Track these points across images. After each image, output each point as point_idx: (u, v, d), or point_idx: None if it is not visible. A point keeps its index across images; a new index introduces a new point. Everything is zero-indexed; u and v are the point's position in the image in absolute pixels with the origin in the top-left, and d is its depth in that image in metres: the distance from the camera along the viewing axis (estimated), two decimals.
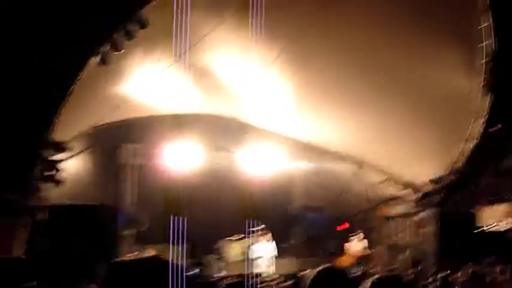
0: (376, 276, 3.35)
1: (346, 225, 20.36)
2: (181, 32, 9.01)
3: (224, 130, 19.10)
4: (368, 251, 17.72)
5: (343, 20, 13.48)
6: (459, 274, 11.22)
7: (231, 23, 12.84)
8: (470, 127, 15.15)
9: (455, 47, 13.69)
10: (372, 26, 13.39)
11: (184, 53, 11.81)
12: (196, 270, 15.34)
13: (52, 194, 13.67)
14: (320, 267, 2.76)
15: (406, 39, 13.58)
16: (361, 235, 18.01)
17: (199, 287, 9.15)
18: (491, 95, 14.25)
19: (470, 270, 10.78)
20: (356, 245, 17.77)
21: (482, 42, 13.45)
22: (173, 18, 8.30)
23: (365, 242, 17.90)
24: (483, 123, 14.86)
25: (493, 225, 16.09)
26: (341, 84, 15.41)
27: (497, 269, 11.30)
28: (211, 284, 9.85)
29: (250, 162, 19.72)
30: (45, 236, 12.90)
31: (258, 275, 12.64)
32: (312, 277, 2.70)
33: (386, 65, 14.29)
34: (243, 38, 13.26)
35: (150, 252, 15.56)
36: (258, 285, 9.68)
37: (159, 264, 2.25)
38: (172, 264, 2.26)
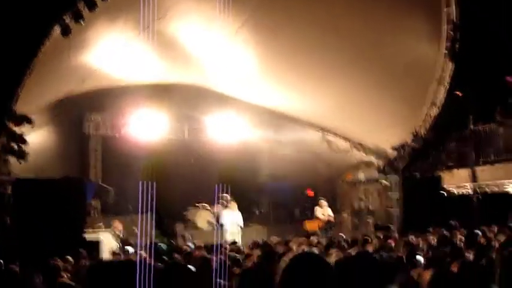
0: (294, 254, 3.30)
1: (311, 193, 20.48)
2: (146, 1, 8.77)
3: (191, 99, 18.90)
4: (332, 218, 17.84)
5: None
6: (426, 237, 11.39)
7: None
8: (434, 94, 15.26)
9: (420, 14, 13.68)
10: None
11: (150, 25, 11.56)
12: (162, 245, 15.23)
13: (16, 168, 13.37)
14: (295, 254, 2.69)
15: (372, 7, 13.50)
16: (325, 202, 18.08)
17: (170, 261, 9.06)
18: (454, 61, 14.34)
19: (436, 234, 10.95)
20: (320, 211, 17.86)
21: (445, 9, 13.47)
22: None
23: (328, 209, 17.98)
24: (446, 89, 14.96)
25: (455, 190, 16.33)
26: (307, 53, 15.30)
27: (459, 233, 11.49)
28: (184, 255, 9.77)
29: (217, 131, 19.65)
30: (9, 210, 12.66)
31: (224, 244, 12.58)
32: (288, 263, 2.63)
33: (353, 33, 14.23)
34: (209, 7, 13.04)
35: (116, 224, 15.44)
36: (226, 254, 9.62)
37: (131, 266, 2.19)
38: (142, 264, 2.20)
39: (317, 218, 17.61)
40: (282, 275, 2.60)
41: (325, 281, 2.56)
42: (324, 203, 18.07)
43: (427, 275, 4.56)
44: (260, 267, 6.65)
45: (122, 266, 2.22)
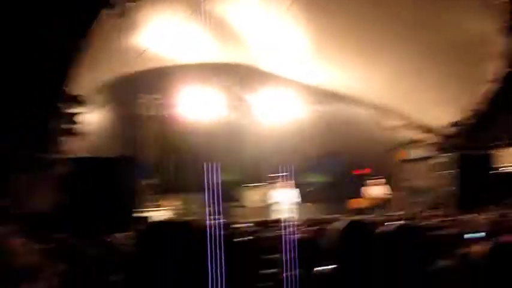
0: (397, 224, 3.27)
1: (367, 170, 20.20)
2: None
3: (241, 78, 18.87)
4: (386, 196, 17.63)
5: None
6: (484, 215, 11.07)
7: None
8: (489, 69, 14.79)
9: None
10: None
11: (200, 4, 11.55)
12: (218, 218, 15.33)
13: (71, 147, 13.63)
14: (346, 222, 2.65)
15: None
16: (381, 180, 17.89)
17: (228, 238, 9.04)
18: (511, 36, 13.82)
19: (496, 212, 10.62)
20: (375, 189, 17.67)
21: None
22: None
23: (384, 187, 17.79)
24: (502, 65, 14.48)
25: None
26: (357, 30, 15.04)
27: None
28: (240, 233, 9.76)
29: (269, 109, 19.58)
30: (66, 189, 12.90)
31: (279, 221, 12.56)
32: (339, 230, 2.59)
33: (404, 9, 13.88)
34: None
35: (171, 203, 15.62)
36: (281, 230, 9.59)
37: (196, 228, 2.15)
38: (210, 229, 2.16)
39: (365, 197, 17.47)
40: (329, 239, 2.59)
41: (371, 247, 2.53)
42: (377, 181, 17.88)
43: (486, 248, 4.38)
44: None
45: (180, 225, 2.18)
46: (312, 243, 3.97)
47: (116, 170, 12.67)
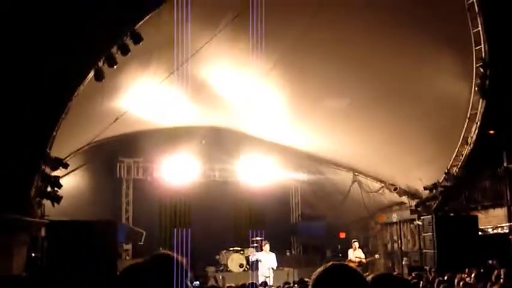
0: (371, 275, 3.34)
1: (343, 234, 20.27)
2: (178, 44, 8.89)
3: (222, 142, 19.01)
4: (363, 259, 17.59)
5: (337, 31, 13.39)
6: (462, 275, 11.11)
7: (226, 34, 12.75)
8: (466, 131, 15.09)
9: (450, 52, 13.64)
10: (366, 35, 13.31)
11: (181, 65, 11.71)
12: (196, 283, 15.15)
13: (50, 211, 13.50)
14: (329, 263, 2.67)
15: (401, 47, 13.51)
16: (356, 244, 17.88)
17: None
18: (485, 99, 14.19)
19: (473, 273, 10.67)
20: (353, 253, 17.64)
21: (476, 47, 13.42)
22: (171, 30, 8.17)
23: (359, 251, 17.76)
24: (478, 127, 14.78)
25: (490, 229, 15.97)
26: (336, 94, 15.33)
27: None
28: None
29: (248, 172, 19.66)
30: (44, 252, 12.72)
31: (257, 285, 12.44)
32: (321, 270, 2.61)
33: (381, 73, 14.22)
34: (239, 50, 13.19)
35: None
36: None
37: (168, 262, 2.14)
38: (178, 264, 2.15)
39: (350, 260, 17.37)
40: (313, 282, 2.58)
41: None
42: (356, 244, 17.88)
43: None
44: None
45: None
46: None
47: (94, 234, 12.57)
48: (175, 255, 2.13)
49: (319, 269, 2.61)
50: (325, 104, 15.82)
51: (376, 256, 18.56)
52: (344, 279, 2.56)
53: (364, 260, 17.58)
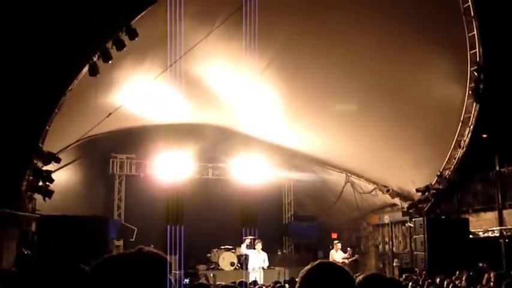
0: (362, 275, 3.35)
1: (334, 234, 20.24)
2: (172, 41, 8.88)
3: (215, 139, 18.98)
4: (346, 261, 17.56)
5: (332, 32, 13.42)
6: (453, 278, 11.13)
7: (221, 33, 12.74)
8: (459, 134, 15.14)
9: (445, 56, 13.69)
10: (361, 37, 13.33)
11: (175, 62, 11.69)
12: (186, 281, 15.12)
13: (41, 205, 13.45)
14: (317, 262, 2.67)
15: (396, 50, 13.55)
16: (339, 245, 17.82)
17: None
18: (479, 103, 14.25)
19: (464, 275, 10.69)
20: (336, 254, 17.58)
21: (470, 51, 13.47)
22: (166, 27, 8.16)
23: (341, 252, 17.69)
24: (471, 131, 14.83)
25: (481, 232, 16.02)
26: (330, 93, 15.34)
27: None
28: None
29: (241, 171, 19.63)
30: (34, 247, 12.69)
31: (247, 284, 12.42)
32: (309, 268, 2.61)
33: (377, 75, 14.25)
34: (233, 48, 13.19)
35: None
36: None
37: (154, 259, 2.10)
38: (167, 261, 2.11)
39: (333, 261, 17.31)
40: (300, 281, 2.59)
41: None
42: (338, 245, 17.84)
43: None
44: None
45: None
46: None
47: (85, 230, 12.55)
48: (154, 250, 2.09)
49: (307, 267, 2.62)
50: (319, 105, 15.83)
51: (356, 257, 18.53)
52: (332, 277, 2.57)
53: (346, 261, 17.61)
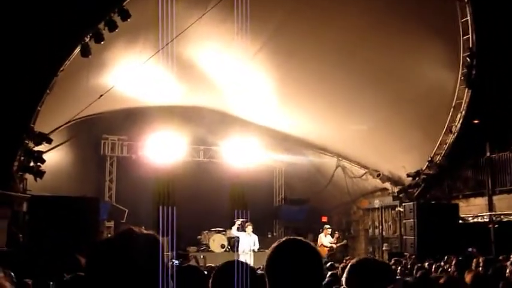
0: (355, 259, 3.41)
1: (325, 218, 20.35)
2: (164, 23, 8.84)
3: (207, 122, 18.96)
4: (334, 245, 17.67)
5: (325, 17, 13.40)
6: (442, 263, 11.23)
7: (214, 15, 12.70)
8: (450, 120, 15.20)
9: (437, 42, 13.69)
10: (354, 22, 13.33)
11: (167, 44, 11.64)
12: (176, 262, 15.19)
13: (33, 186, 13.46)
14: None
15: (389, 35, 13.54)
16: (329, 230, 17.92)
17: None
18: (471, 89, 14.29)
19: (453, 260, 10.78)
20: (325, 239, 17.69)
21: (463, 37, 13.48)
22: (158, 8, 8.12)
23: (329, 237, 17.80)
24: (462, 117, 14.90)
25: (471, 218, 16.14)
26: (322, 77, 15.35)
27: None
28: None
29: (233, 153, 19.66)
30: (25, 227, 12.70)
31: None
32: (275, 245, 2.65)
33: (369, 60, 14.26)
34: (227, 31, 13.14)
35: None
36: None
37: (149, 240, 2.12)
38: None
39: (322, 245, 17.45)
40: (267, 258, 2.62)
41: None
42: (328, 230, 17.94)
43: None
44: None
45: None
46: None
47: (76, 211, 12.55)
48: (146, 231, 2.11)
49: (274, 244, 2.63)
50: (311, 89, 15.84)
51: (344, 242, 18.67)
52: (297, 254, 2.58)
53: (334, 246, 17.72)
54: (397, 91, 14.81)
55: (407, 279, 6.80)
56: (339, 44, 13.99)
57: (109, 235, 17.59)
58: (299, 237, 2.74)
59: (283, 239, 2.69)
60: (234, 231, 17.44)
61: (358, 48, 13.94)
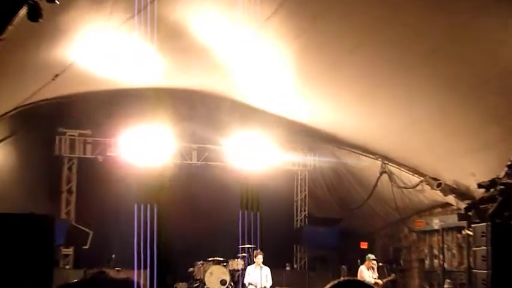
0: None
1: (364, 244, 20.46)
2: None
3: (202, 111, 19.07)
4: (380, 281, 17.82)
5: None
6: None
7: None
8: None
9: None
10: None
11: (147, 5, 11.81)
12: None
13: None
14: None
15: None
16: (374, 261, 18.05)
17: None
18: None
19: None
20: (367, 273, 17.82)
21: None
22: None
23: (375, 271, 17.94)
24: None
25: None
26: (358, 51, 15.21)
27: None
28: None
29: (237, 154, 19.73)
30: None
31: None
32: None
33: (419, 27, 14.11)
34: None
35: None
36: None
37: None
38: None
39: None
40: None
41: None
42: (373, 262, 18.06)
43: None
44: None
45: None
46: None
47: (23, 233, 12.68)
48: (116, 275, 2.32)
49: (328, 285, 2.80)
50: (342, 67, 15.78)
51: (392, 276, 18.82)
52: None
53: (380, 282, 17.88)
54: (464, 70, 14.79)
55: None
56: (384, 7, 13.90)
57: (66, 266, 17.84)
58: (356, 278, 2.93)
59: (339, 280, 2.86)
60: (239, 263, 17.58)
61: (405, 8, 13.71)
